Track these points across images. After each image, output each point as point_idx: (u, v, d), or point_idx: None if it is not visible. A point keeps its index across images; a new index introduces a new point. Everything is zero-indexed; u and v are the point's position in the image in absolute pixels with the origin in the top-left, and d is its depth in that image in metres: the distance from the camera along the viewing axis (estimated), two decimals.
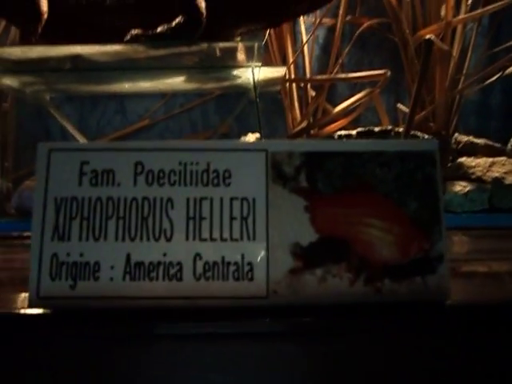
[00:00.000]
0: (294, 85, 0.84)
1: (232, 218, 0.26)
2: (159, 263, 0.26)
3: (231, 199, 0.26)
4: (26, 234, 0.60)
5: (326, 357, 0.25)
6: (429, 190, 0.27)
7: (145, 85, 0.81)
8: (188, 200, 0.26)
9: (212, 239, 0.26)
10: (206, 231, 0.26)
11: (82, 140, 0.78)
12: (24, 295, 0.28)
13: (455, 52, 0.80)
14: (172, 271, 0.25)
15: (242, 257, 0.26)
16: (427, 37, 0.68)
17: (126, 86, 0.82)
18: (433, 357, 0.25)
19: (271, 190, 0.26)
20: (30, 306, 0.25)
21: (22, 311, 0.25)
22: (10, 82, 0.77)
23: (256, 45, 0.62)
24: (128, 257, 0.26)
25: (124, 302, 0.25)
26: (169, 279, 0.25)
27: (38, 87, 0.82)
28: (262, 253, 0.26)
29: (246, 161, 0.27)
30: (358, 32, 0.84)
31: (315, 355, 0.25)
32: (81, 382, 0.25)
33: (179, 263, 0.26)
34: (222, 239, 0.26)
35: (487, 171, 0.74)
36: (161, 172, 0.26)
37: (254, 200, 0.26)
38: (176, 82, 0.79)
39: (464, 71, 0.81)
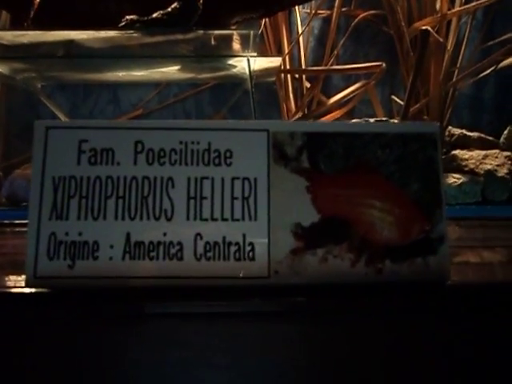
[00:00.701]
0: (289, 76, 0.84)
1: (233, 198, 0.26)
2: (159, 243, 0.25)
3: (232, 179, 0.26)
4: (18, 221, 0.59)
5: (328, 336, 0.25)
6: (430, 172, 0.27)
7: (139, 74, 0.80)
8: (189, 179, 0.26)
9: (213, 219, 0.26)
10: (207, 211, 0.26)
11: None
12: (15, 278, 0.27)
13: (450, 45, 0.80)
14: (172, 251, 0.25)
15: (244, 237, 0.25)
16: (423, 28, 0.68)
17: (120, 75, 0.81)
18: (433, 337, 0.25)
19: (273, 170, 0.26)
20: (27, 285, 0.25)
21: (19, 291, 0.25)
22: (0, 68, 0.76)
23: (252, 33, 0.61)
24: (128, 236, 0.25)
25: (123, 281, 0.25)
26: (169, 259, 0.25)
27: (29, 74, 0.80)
28: (264, 233, 0.25)
29: (248, 141, 0.26)
30: (353, 24, 0.83)
31: (316, 335, 0.25)
32: (79, 361, 0.24)
33: (180, 243, 0.25)
34: (223, 219, 0.26)
35: (480, 164, 0.75)
36: (161, 151, 0.26)
37: (255, 180, 0.26)
38: (170, 71, 0.79)
39: (458, 65, 0.81)
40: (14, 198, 0.75)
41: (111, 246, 0.25)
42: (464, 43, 0.82)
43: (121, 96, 0.92)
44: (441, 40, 0.76)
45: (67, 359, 0.24)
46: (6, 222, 0.60)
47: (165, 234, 0.25)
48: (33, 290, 0.25)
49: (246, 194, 0.26)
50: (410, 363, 0.25)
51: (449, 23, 0.81)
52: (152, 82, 0.89)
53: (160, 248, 0.25)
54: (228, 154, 0.26)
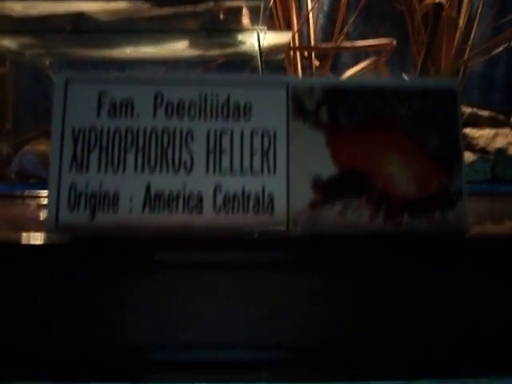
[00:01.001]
0: (298, 54, 0.83)
1: (252, 151, 0.26)
2: (179, 195, 0.25)
3: (252, 132, 0.26)
4: (27, 193, 0.59)
5: (346, 286, 0.25)
6: (449, 128, 0.27)
7: (147, 50, 0.80)
8: (208, 132, 0.26)
9: (232, 172, 0.26)
10: (226, 164, 0.26)
11: None
12: (32, 233, 0.27)
13: (462, 22, 0.79)
14: (192, 203, 0.25)
15: (263, 189, 0.26)
16: (437, 1, 0.67)
17: (128, 52, 0.81)
18: (451, 288, 0.25)
19: (292, 124, 0.26)
20: (48, 235, 0.25)
21: (41, 241, 0.25)
22: (8, 43, 0.76)
23: (262, 4, 0.61)
24: (148, 188, 0.25)
25: (143, 232, 0.25)
26: (188, 211, 0.25)
27: (38, 50, 0.80)
28: (283, 186, 0.26)
29: (267, 95, 0.26)
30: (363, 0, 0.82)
31: (335, 285, 0.25)
32: (98, 308, 0.25)
33: (199, 195, 0.25)
34: (243, 172, 0.26)
35: (491, 142, 0.74)
36: (181, 104, 0.26)
37: (274, 134, 0.26)
38: (179, 47, 0.78)
39: (469, 42, 0.80)
40: (24, 173, 0.75)
41: (131, 198, 0.25)
42: (476, 20, 0.81)
43: (129, 73, 0.92)
44: (453, 15, 0.75)
45: (87, 305, 0.25)
46: (16, 193, 0.61)
47: (184, 187, 0.25)
48: (54, 239, 0.25)
49: (265, 148, 0.26)
50: (427, 313, 0.25)
51: None
52: (160, 59, 0.88)
53: (179, 200, 0.25)
54: (247, 108, 0.26)
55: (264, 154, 0.26)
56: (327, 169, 0.26)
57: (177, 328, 0.24)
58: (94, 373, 0.24)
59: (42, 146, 0.78)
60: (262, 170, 0.26)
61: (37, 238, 0.26)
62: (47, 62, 0.85)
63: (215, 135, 0.26)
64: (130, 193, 0.25)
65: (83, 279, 0.25)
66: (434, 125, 0.27)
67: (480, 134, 0.76)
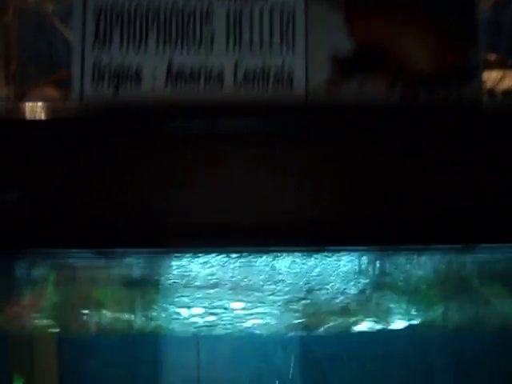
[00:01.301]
0: None
1: (272, 28, 0.26)
2: (200, 70, 0.26)
3: (271, 10, 0.26)
4: None
5: (362, 156, 0.26)
6: (466, 5, 0.27)
7: None
8: (228, 10, 0.26)
9: (252, 48, 0.26)
10: (246, 40, 0.26)
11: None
12: None
13: None
14: (213, 78, 0.26)
15: (282, 65, 0.26)
16: None
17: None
18: (465, 161, 0.26)
19: (310, 2, 0.26)
20: (74, 110, 0.26)
21: (66, 115, 0.26)
22: None
23: None
24: (169, 64, 0.26)
25: (165, 107, 0.26)
26: (209, 86, 0.26)
27: None
28: (301, 61, 0.26)
29: None
30: None
31: (350, 154, 0.26)
32: (123, 178, 0.25)
33: (220, 70, 0.26)
34: (262, 48, 0.26)
35: (497, 84, 0.74)
36: None
37: (293, 12, 0.26)
38: None
39: None
40: None
41: (154, 73, 0.26)
42: None
43: None
44: None
45: (112, 176, 0.25)
46: None
47: (206, 62, 0.26)
48: (79, 114, 0.26)
49: (284, 25, 0.26)
50: (440, 184, 0.26)
51: None
52: None
53: (201, 75, 0.26)
54: None
55: (283, 32, 0.26)
56: (345, 45, 0.26)
57: (196, 196, 0.25)
58: (117, 239, 0.25)
59: (49, 91, 0.78)
60: (282, 45, 0.26)
61: (63, 113, 0.26)
62: (50, 10, 0.84)
63: (235, 13, 0.26)
64: (152, 69, 0.26)
65: (108, 152, 0.25)
66: (450, 1, 0.27)
67: (487, 77, 0.75)
